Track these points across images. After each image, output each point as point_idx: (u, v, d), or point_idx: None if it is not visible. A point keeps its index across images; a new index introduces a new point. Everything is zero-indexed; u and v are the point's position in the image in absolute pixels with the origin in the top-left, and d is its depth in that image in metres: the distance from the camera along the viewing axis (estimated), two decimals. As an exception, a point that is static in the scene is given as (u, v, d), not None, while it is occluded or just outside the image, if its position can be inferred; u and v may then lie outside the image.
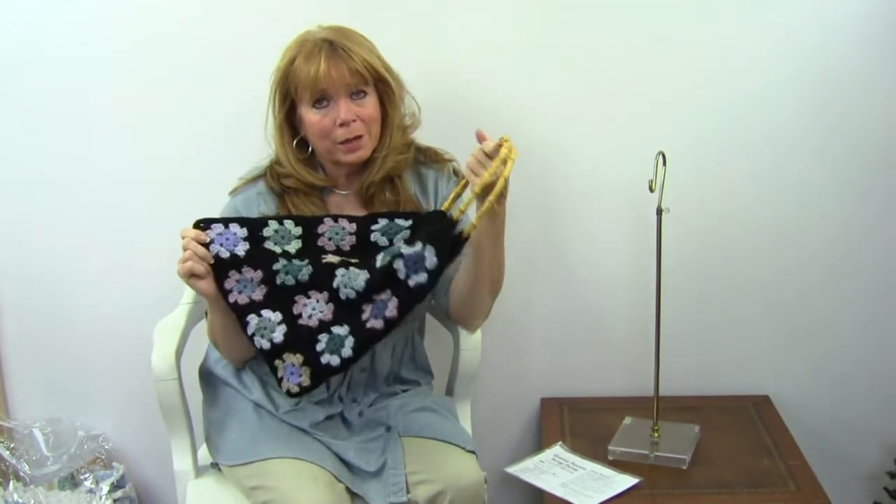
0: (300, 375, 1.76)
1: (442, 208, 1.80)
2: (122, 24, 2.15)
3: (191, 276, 1.74)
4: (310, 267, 1.76)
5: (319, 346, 1.76)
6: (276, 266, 1.76)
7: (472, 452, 1.85)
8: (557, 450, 2.06)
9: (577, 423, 2.21)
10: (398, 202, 1.88)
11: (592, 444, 2.07)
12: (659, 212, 1.94)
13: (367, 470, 1.81)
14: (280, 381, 1.77)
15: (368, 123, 1.83)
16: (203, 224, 1.77)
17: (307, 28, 1.85)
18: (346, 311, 1.76)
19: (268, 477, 1.78)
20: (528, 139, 2.18)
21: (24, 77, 2.19)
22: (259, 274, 1.77)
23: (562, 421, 2.22)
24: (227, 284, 1.77)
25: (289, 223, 1.80)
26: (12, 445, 2.32)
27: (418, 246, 1.71)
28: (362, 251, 1.78)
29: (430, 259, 1.70)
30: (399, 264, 1.72)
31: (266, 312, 1.77)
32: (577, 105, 2.18)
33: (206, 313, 1.89)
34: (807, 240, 2.24)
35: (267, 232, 1.78)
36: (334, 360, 1.75)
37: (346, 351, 1.75)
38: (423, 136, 1.96)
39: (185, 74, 2.18)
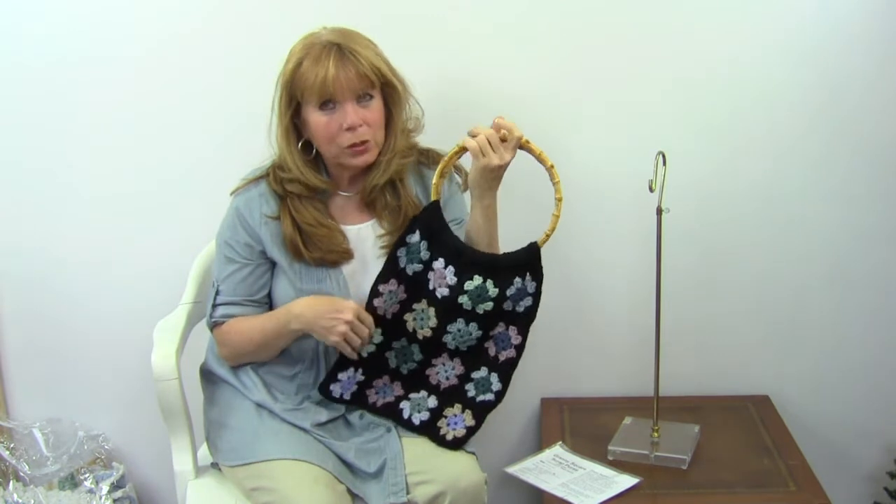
0: (464, 420, 1.86)
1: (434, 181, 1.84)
2: (127, 26, 2.15)
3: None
4: (416, 345, 1.87)
5: (470, 393, 1.87)
6: (392, 364, 1.88)
7: (472, 453, 1.85)
8: (557, 450, 2.06)
9: (577, 423, 2.21)
10: (400, 206, 1.88)
11: (592, 444, 2.07)
12: (659, 212, 1.94)
13: (367, 471, 1.81)
14: (442, 438, 1.85)
15: (374, 128, 1.82)
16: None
17: (311, 30, 1.84)
18: (474, 357, 1.87)
19: (268, 478, 1.77)
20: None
21: (26, 79, 2.19)
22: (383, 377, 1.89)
23: (562, 421, 2.21)
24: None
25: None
26: (12, 445, 2.31)
27: (517, 283, 1.81)
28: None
29: (531, 285, 1.83)
30: (508, 305, 1.81)
31: (413, 395, 1.89)
32: (577, 105, 2.18)
33: (210, 319, 1.90)
34: (807, 240, 2.24)
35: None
36: (489, 397, 1.88)
37: (496, 385, 1.88)
38: (424, 137, 1.96)
39: (188, 76, 2.17)
